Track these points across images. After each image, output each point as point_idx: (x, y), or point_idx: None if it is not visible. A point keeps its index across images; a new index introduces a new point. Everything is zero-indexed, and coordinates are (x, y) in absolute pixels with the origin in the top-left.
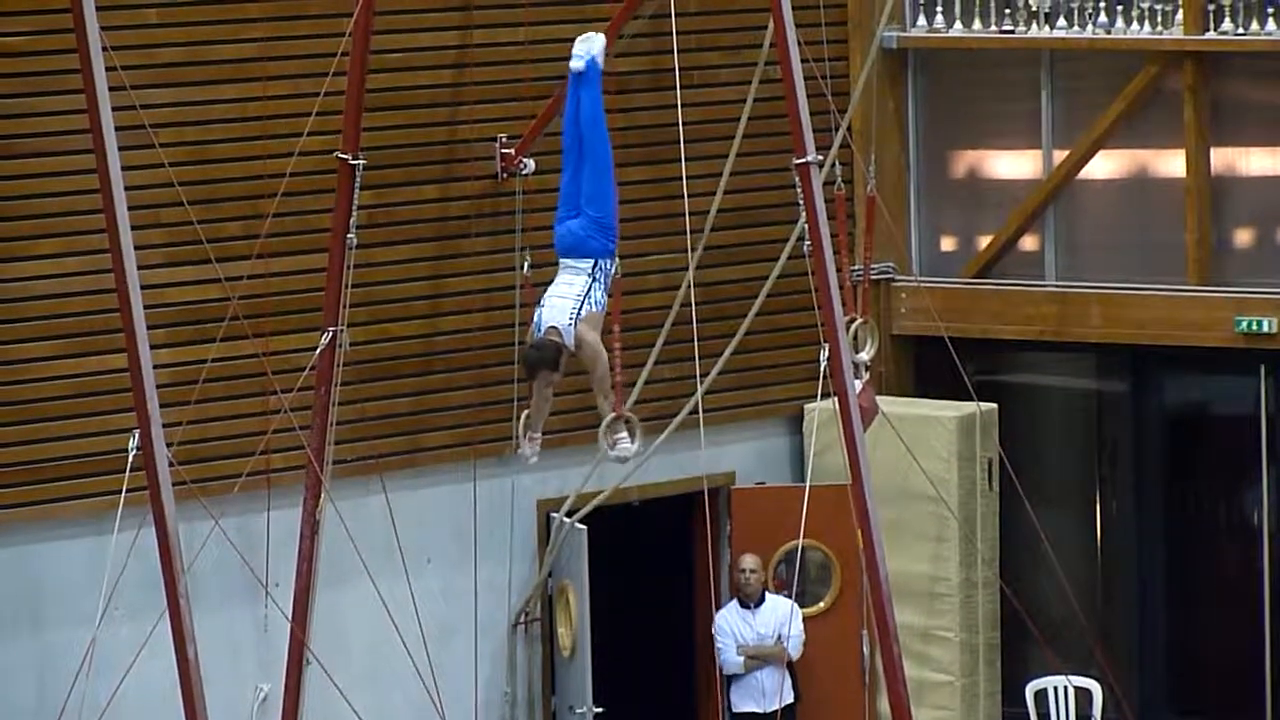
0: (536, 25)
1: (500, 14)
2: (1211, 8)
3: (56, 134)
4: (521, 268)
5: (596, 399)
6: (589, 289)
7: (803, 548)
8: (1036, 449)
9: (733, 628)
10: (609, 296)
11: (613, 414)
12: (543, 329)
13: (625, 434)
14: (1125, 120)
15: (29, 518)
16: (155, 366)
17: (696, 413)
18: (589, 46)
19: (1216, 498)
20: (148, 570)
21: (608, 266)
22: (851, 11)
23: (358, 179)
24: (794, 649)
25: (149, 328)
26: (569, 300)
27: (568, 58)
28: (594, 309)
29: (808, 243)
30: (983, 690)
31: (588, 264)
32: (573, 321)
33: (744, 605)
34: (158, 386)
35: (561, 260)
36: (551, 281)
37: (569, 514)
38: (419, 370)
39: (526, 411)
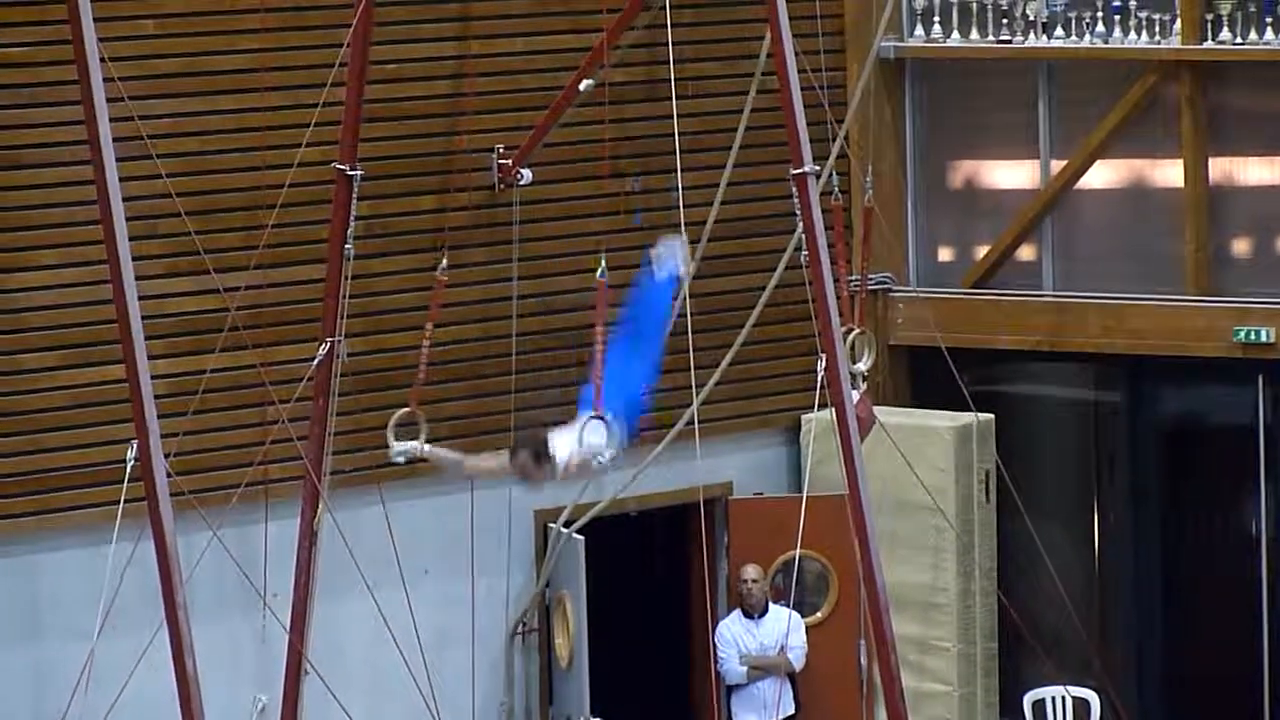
0: (534, 36)
1: (498, 25)
2: (1209, 17)
3: (55, 145)
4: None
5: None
6: (581, 434)
7: (800, 558)
8: (1034, 459)
9: (736, 638)
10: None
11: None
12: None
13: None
14: (1123, 130)
15: (27, 528)
16: (153, 377)
17: (693, 423)
18: (673, 255)
19: (1214, 508)
20: (146, 581)
21: (616, 444)
22: (849, 21)
23: (355, 190)
24: (797, 660)
25: (147, 338)
26: (574, 445)
27: (565, 68)
28: (573, 459)
29: (805, 253)
30: (980, 701)
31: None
32: (564, 462)
33: (747, 615)
34: (156, 397)
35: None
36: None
37: (566, 524)
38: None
39: (447, 451)
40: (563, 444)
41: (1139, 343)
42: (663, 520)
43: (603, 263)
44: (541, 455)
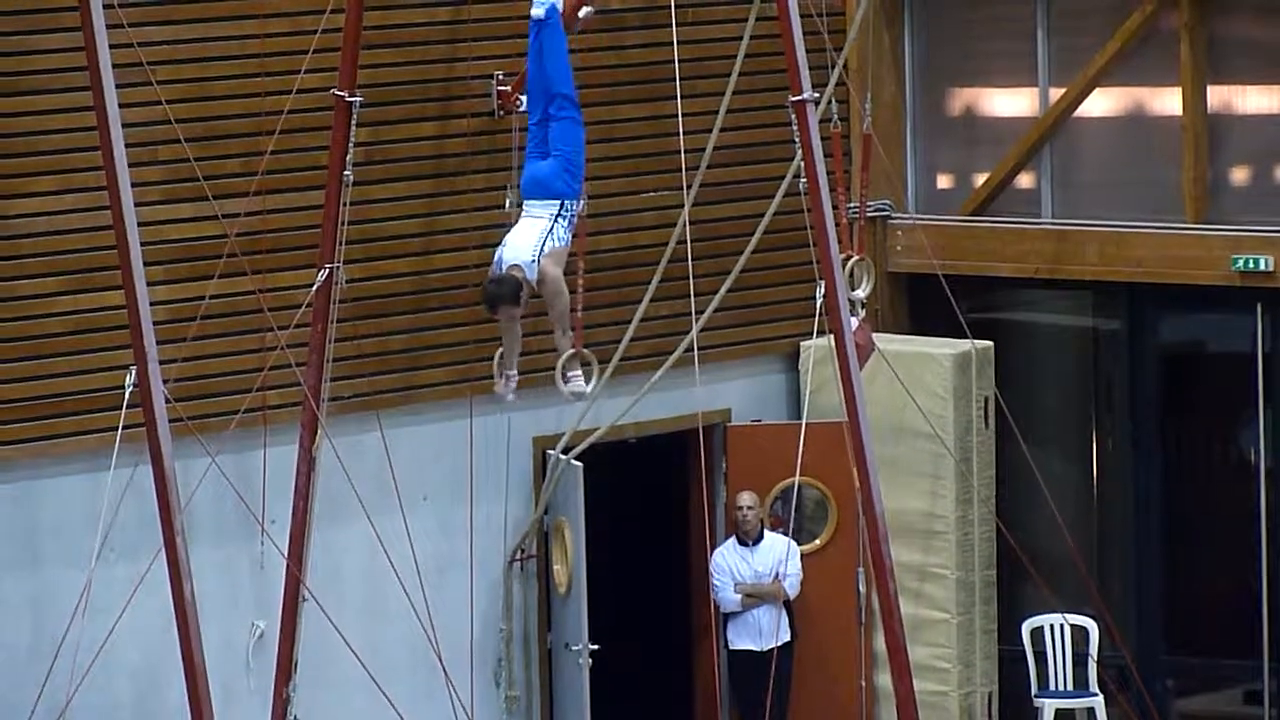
0: None
1: None
2: None
3: (54, 71)
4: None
5: (555, 334)
6: (551, 228)
7: (799, 485)
8: (1033, 387)
9: (730, 565)
10: (574, 236)
11: (570, 350)
12: (503, 268)
13: (579, 372)
14: (1122, 58)
15: (26, 454)
16: (152, 304)
17: (692, 350)
18: None
19: (1213, 436)
20: (144, 507)
21: (573, 207)
22: None
23: (354, 116)
24: (791, 587)
25: (146, 265)
26: (531, 238)
27: None
28: (557, 244)
29: (804, 180)
30: (979, 628)
31: (553, 205)
32: (535, 258)
33: (742, 543)
34: (155, 324)
35: (526, 202)
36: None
37: (565, 451)
38: (415, 308)
39: (500, 350)
40: (522, 250)
41: (1137, 270)
42: (661, 447)
43: (583, 201)
44: (515, 294)
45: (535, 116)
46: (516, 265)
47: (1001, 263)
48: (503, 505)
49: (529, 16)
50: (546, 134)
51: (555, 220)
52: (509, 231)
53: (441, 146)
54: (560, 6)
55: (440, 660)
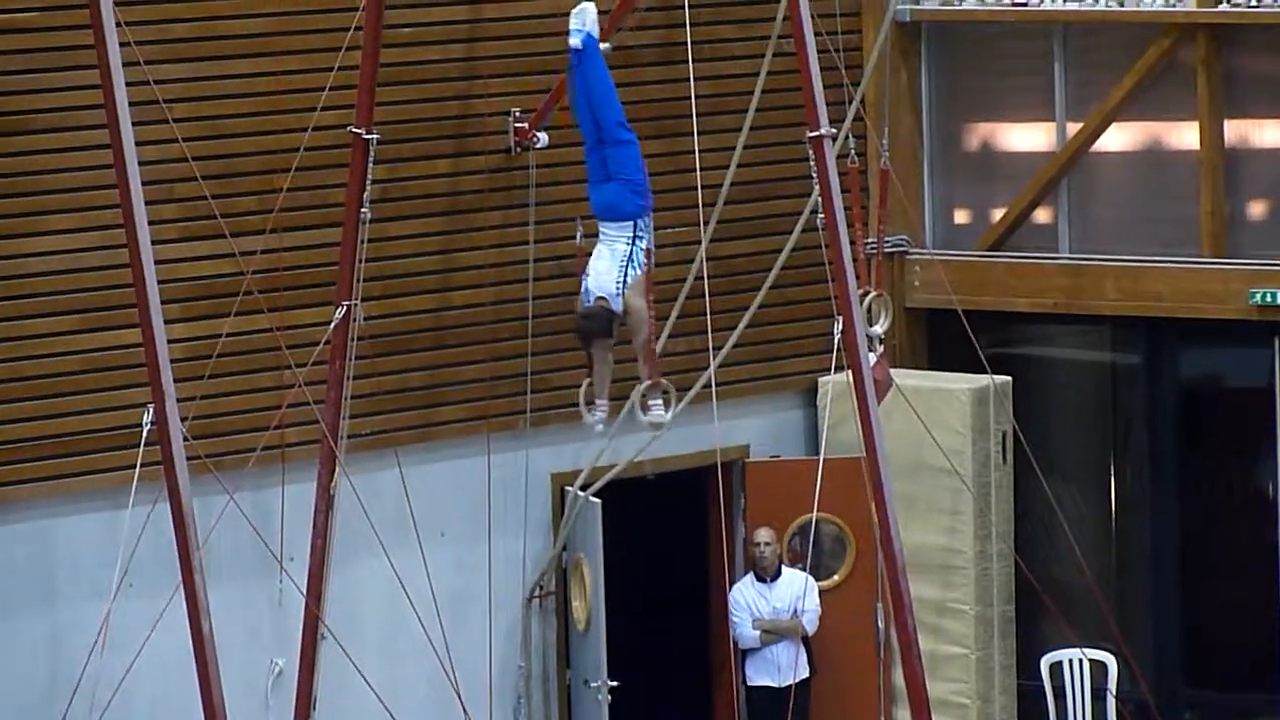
0: None
1: None
2: None
3: (70, 109)
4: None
5: (639, 364)
6: (630, 253)
7: (817, 521)
8: (1050, 422)
9: (748, 601)
10: (647, 259)
11: (649, 381)
12: (591, 299)
13: (660, 401)
14: (1138, 93)
15: (44, 493)
16: (169, 341)
17: (710, 386)
18: (583, 20)
19: (1231, 470)
20: (162, 545)
21: (646, 224)
22: None
23: (371, 153)
24: (810, 624)
25: (163, 302)
26: (614, 267)
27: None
28: (638, 272)
29: (821, 216)
30: (998, 663)
31: (628, 226)
32: (619, 290)
33: (760, 579)
34: (172, 361)
35: (601, 226)
36: (592, 253)
37: (583, 487)
38: (432, 344)
39: (588, 380)
40: (605, 281)
41: (1155, 305)
42: (680, 483)
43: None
44: (607, 324)
45: (589, 141)
46: (603, 297)
47: (1019, 298)
48: (521, 542)
49: (566, 49)
50: (604, 157)
51: (633, 244)
52: (592, 257)
53: (457, 184)
54: (596, 32)
55: (459, 697)
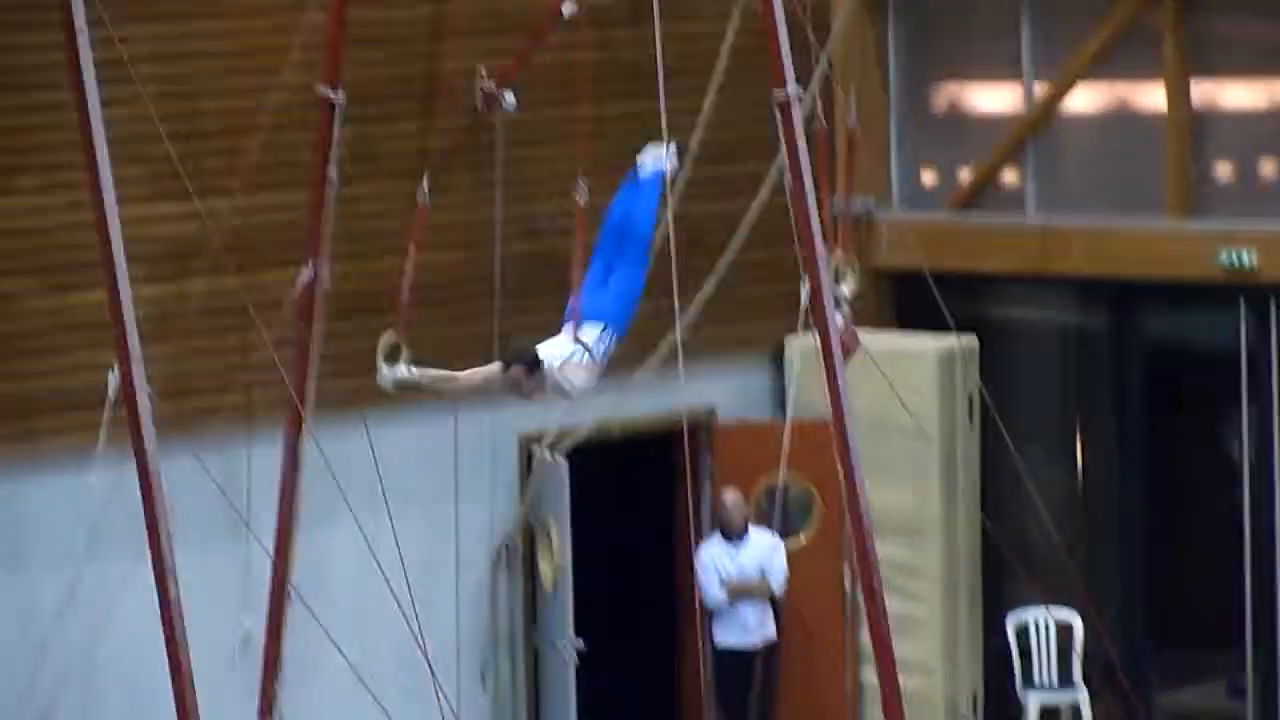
0: None
1: None
2: None
3: (35, 69)
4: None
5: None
6: (587, 347)
7: (784, 482)
8: (1018, 383)
9: (715, 562)
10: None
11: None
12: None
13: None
14: (1106, 53)
15: (9, 454)
16: (135, 302)
17: (677, 347)
18: (658, 156)
19: (1198, 432)
20: (129, 507)
21: (612, 337)
22: None
23: (338, 113)
24: (777, 585)
25: (129, 263)
26: (562, 349)
27: None
28: (579, 360)
29: (788, 177)
30: (964, 624)
31: (597, 326)
32: (560, 362)
33: (727, 539)
34: (138, 322)
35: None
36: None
37: (550, 448)
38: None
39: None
40: (553, 352)
41: (1122, 267)
42: (646, 444)
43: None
44: (532, 365)
45: (599, 263)
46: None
47: (986, 259)
48: (488, 503)
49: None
50: (610, 265)
51: (589, 348)
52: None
53: (424, 144)
54: (666, 175)
55: (427, 659)
